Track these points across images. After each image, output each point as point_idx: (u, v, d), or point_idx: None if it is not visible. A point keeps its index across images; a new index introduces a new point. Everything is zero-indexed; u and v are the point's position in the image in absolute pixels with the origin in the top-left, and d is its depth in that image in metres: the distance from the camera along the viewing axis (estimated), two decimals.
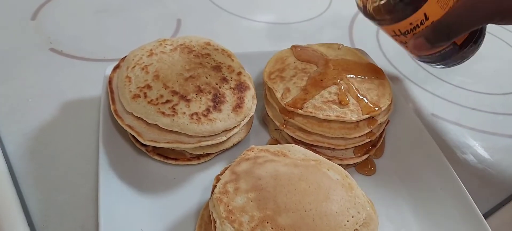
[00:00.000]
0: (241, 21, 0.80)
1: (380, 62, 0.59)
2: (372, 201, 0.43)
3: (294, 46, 0.59)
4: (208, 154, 0.51)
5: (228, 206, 0.39)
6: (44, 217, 0.44)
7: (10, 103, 0.56)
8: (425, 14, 0.48)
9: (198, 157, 0.50)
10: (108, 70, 0.54)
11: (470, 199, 0.47)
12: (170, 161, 0.49)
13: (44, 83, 0.60)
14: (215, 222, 0.39)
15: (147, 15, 0.77)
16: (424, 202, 0.49)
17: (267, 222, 0.37)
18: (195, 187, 0.49)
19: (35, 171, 0.48)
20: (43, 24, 0.71)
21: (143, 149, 0.49)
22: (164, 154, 0.50)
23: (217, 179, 0.42)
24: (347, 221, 0.39)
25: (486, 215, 0.51)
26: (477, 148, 0.61)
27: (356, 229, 0.38)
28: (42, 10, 0.74)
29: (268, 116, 0.55)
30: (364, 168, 0.53)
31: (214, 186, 0.42)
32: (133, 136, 0.49)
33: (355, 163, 0.52)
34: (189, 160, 0.50)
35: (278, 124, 0.53)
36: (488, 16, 0.47)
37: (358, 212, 0.40)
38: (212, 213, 0.39)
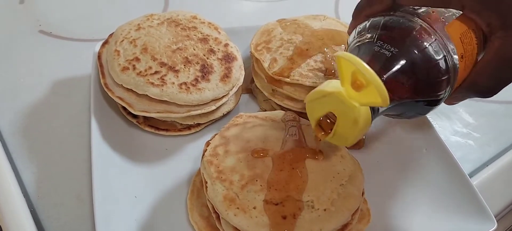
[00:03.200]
0: (229, 0, 0.81)
1: None
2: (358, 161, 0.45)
3: (280, 20, 0.60)
4: (198, 124, 0.52)
5: (218, 167, 0.40)
6: (39, 189, 0.45)
7: (1, 83, 0.57)
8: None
9: (188, 127, 0.51)
10: (97, 47, 0.54)
11: (454, 159, 0.49)
12: (161, 132, 0.51)
13: (35, 64, 0.61)
14: (206, 182, 0.40)
15: None
16: (410, 163, 0.51)
17: (257, 180, 0.39)
18: (186, 156, 0.50)
19: (28, 146, 0.49)
20: (31, 7, 0.71)
21: (134, 121, 0.50)
22: (155, 125, 0.51)
23: (208, 144, 0.44)
24: (333, 177, 0.40)
25: (472, 174, 0.53)
26: (461, 113, 0.63)
27: (342, 184, 0.40)
28: None
29: (257, 87, 0.56)
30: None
31: (205, 150, 0.43)
32: (124, 108, 0.50)
33: None
34: (180, 130, 0.51)
35: (266, 93, 0.54)
36: None
37: (344, 169, 0.41)
38: (203, 175, 0.41)
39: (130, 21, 0.54)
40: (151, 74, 0.48)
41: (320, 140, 0.38)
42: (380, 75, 0.33)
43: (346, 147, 0.45)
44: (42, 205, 0.44)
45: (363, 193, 0.41)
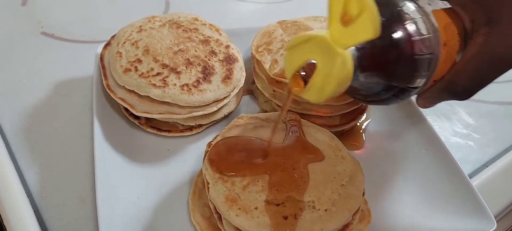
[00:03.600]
0: (230, 2, 0.82)
1: None
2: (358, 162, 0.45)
3: (280, 22, 0.61)
4: (200, 125, 0.52)
5: (220, 168, 0.40)
6: (43, 189, 0.46)
7: (3, 85, 0.57)
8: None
9: (190, 128, 0.52)
10: (99, 49, 0.55)
11: (454, 160, 0.49)
12: (163, 133, 0.51)
13: (37, 66, 0.61)
14: (208, 183, 0.40)
15: None
16: (410, 163, 0.51)
17: (258, 181, 0.39)
18: (188, 157, 0.50)
19: (31, 147, 0.50)
20: (33, 9, 0.71)
21: (136, 122, 0.51)
22: (157, 126, 0.51)
23: (209, 145, 0.44)
24: (334, 177, 0.40)
25: (472, 175, 0.53)
26: (461, 114, 0.63)
27: (342, 185, 0.40)
28: None
29: (258, 88, 0.56)
30: (352, 142, 0.55)
31: (206, 151, 0.43)
32: (126, 110, 0.50)
33: (343, 130, 0.54)
34: (181, 131, 0.51)
35: (267, 94, 0.54)
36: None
37: (344, 170, 0.41)
38: (204, 175, 0.41)
39: (132, 23, 0.54)
40: (153, 75, 0.48)
41: (293, 95, 0.37)
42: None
43: (346, 147, 0.45)
44: (45, 205, 0.44)
45: (363, 194, 0.42)
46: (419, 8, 0.37)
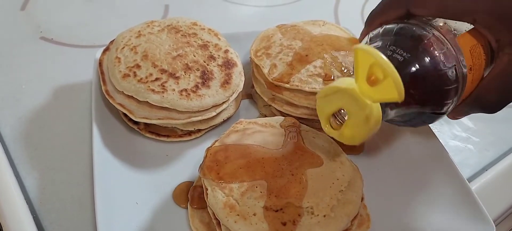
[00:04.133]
0: (229, 6, 0.82)
1: None
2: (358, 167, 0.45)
3: (279, 26, 0.61)
4: (199, 130, 0.52)
5: (218, 174, 0.40)
6: (42, 195, 0.46)
7: (3, 89, 0.57)
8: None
9: (189, 133, 0.52)
10: (98, 54, 0.55)
11: (453, 164, 0.49)
12: (162, 138, 0.51)
13: (36, 70, 0.61)
14: (206, 189, 0.40)
15: (135, 1, 0.78)
16: (409, 169, 0.51)
17: (256, 187, 0.39)
18: (187, 162, 0.50)
19: (30, 153, 0.50)
20: (32, 14, 0.72)
21: (135, 127, 0.51)
22: (156, 131, 0.51)
23: (208, 150, 0.44)
24: (333, 183, 0.40)
25: (471, 178, 0.53)
26: None
27: (341, 191, 0.40)
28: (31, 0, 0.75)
29: (257, 92, 0.56)
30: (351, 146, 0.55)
31: (205, 157, 0.43)
32: (125, 115, 0.50)
33: None
34: (180, 136, 0.51)
35: (266, 99, 0.54)
36: None
37: (343, 175, 0.41)
38: (203, 181, 0.41)
39: (130, 28, 0.55)
40: (151, 81, 0.48)
41: (332, 137, 0.38)
42: None
43: (345, 152, 0.45)
44: (45, 211, 0.45)
45: (362, 199, 0.42)
46: (443, 37, 0.38)
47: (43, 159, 0.49)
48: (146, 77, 0.48)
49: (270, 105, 0.55)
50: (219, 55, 0.54)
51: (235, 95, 0.52)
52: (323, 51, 0.55)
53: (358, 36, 0.62)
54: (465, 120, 0.62)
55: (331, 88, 0.35)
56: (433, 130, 0.53)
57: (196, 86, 0.49)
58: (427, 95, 0.38)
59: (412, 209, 0.48)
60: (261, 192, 0.39)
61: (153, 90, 0.47)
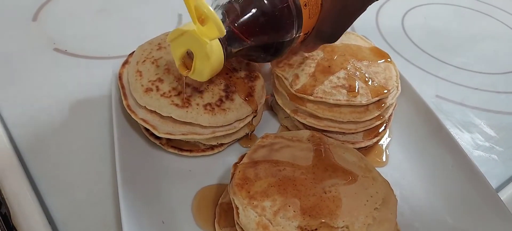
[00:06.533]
0: None
1: (381, 47, 0.59)
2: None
3: None
4: (221, 144, 0.51)
5: (249, 192, 0.39)
6: (65, 216, 0.44)
7: (19, 105, 0.56)
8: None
9: (212, 147, 0.51)
10: (116, 68, 0.54)
11: (481, 174, 0.48)
12: (184, 153, 0.50)
13: (51, 84, 0.60)
14: (237, 208, 0.39)
15: (148, 11, 0.77)
16: (437, 180, 0.50)
17: (289, 206, 0.38)
18: (211, 177, 0.49)
19: (51, 172, 0.48)
20: (45, 25, 0.70)
21: (157, 142, 0.50)
22: (179, 146, 0.50)
23: (235, 167, 0.43)
24: (367, 200, 0.39)
25: (497, 189, 0.52)
26: (482, 126, 0.62)
27: (376, 208, 0.39)
28: (42, 10, 0.73)
29: (278, 104, 0.55)
30: (376, 158, 0.54)
31: (233, 174, 0.42)
32: (147, 130, 0.49)
33: (366, 146, 0.53)
34: (203, 151, 0.50)
35: (288, 111, 0.53)
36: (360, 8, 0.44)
37: (377, 192, 0.40)
38: (233, 200, 0.40)
39: (150, 41, 0.53)
40: (175, 95, 0.47)
41: (185, 77, 0.45)
42: (234, 22, 0.42)
43: None
44: None
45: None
46: None
47: (64, 179, 0.48)
48: (169, 92, 0.47)
49: (291, 117, 0.54)
50: (241, 68, 0.52)
51: (258, 108, 0.51)
52: (346, 62, 0.54)
53: (377, 44, 0.62)
54: (486, 128, 0.62)
55: (176, 31, 0.40)
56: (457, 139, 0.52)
57: (220, 100, 0.48)
58: (267, 31, 0.44)
59: (439, 220, 0.47)
60: (294, 211, 0.38)
61: (177, 105, 0.46)
